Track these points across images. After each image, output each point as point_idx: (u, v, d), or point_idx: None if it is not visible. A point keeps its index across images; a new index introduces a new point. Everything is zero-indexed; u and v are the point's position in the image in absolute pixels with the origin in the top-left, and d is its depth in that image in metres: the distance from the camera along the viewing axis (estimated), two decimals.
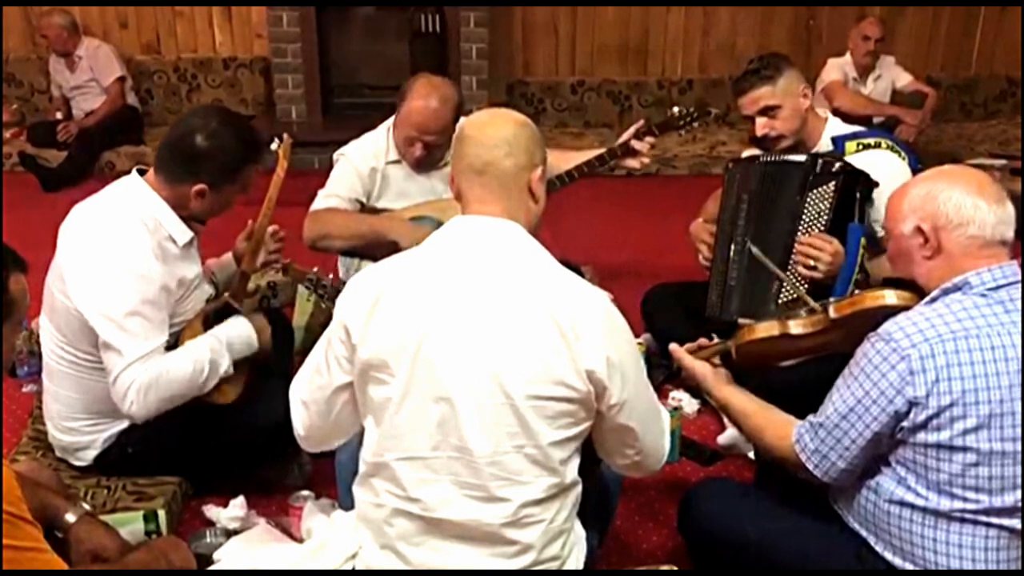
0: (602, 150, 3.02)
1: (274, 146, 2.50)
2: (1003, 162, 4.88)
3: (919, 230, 1.67)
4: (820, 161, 2.50)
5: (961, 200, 1.64)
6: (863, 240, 2.40)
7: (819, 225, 2.47)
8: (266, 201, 2.40)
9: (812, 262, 2.39)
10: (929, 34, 6.13)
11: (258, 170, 2.24)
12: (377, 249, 2.74)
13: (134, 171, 2.22)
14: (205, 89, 5.91)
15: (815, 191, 2.49)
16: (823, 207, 2.48)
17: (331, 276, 2.54)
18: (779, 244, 2.50)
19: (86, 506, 1.88)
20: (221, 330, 2.24)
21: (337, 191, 2.83)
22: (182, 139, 2.14)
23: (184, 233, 2.20)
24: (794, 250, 2.46)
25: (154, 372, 2.07)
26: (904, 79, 5.25)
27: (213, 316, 2.31)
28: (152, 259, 2.09)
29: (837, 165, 2.48)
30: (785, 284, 2.44)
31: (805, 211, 2.49)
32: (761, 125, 2.58)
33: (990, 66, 6.28)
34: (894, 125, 4.94)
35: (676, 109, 3.01)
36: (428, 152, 2.78)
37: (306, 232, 2.80)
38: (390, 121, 2.89)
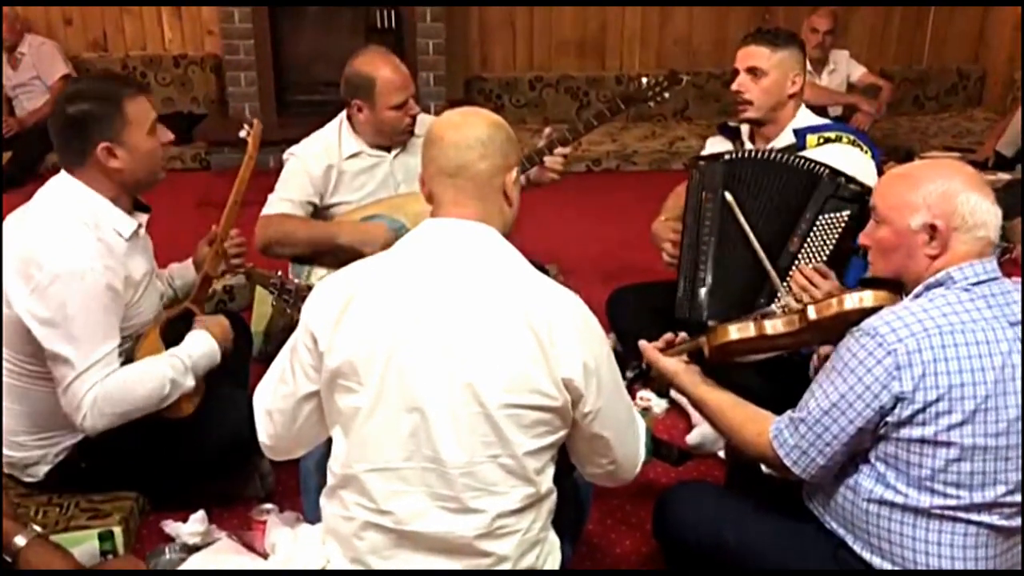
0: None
1: (243, 133, 2.41)
2: (957, 155, 4.94)
3: (931, 227, 1.63)
4: (841, 180, 2.34)
5: (978, 203, 1.62)
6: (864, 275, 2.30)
7: (823, 254, 2.33)
8: (233, 191, 2.31)
9: (804, 296, 2.15)
10: (882, 27, 6.20)
11: (148, 100, 2.12)
12: (330, 255, 2.69)
13: (62, 171, 2.11)
14: (155, 87, 5.75)
15: (827, 216, 2.34)
16: (831, 236, 2.33)
17: (296, 280, 2.47)
18: (748, 250, 2.37)
19: (36, 528, 1.80)
20: (183, 349, 2.14)
21: (288, 195, 2.75)
22: (56, 121, 2.07)
23: (128, 223, 2.11)
24: (789, 275, 2.27)
25: (112, 385, 1.98)
26: (858, 72, 5.29)
27: (173, 322, 2.22)
28: (95, 258, 1.99)
29: (855, 188, 2.32)
30: (776, 300, 2.33)
31: (812, 235, 2.35)
32: (739, 82, 2.57)
33: (941, 59, 6.37)
34: (849, 116, 4.97)
35: (644, 80, 2.90)
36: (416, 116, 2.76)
37: (256, 238, 2.73)
38: (342, 115, 2.83)
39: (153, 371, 2.06)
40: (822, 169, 2.40)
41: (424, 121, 2.84)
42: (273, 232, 2.71)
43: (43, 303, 1.95)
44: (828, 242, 2.35)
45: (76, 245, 1.99)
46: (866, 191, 2.32)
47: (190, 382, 2.12)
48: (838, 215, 2.35)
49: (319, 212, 2.82)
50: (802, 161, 2.44)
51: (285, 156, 2.83)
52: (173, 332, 2.20)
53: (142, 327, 2.16)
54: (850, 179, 2.36)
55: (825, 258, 2.33)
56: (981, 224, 1.62)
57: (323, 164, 2.77)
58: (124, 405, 2.01)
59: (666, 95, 2.88)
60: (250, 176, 2.33)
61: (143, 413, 2.05)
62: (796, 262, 2.35)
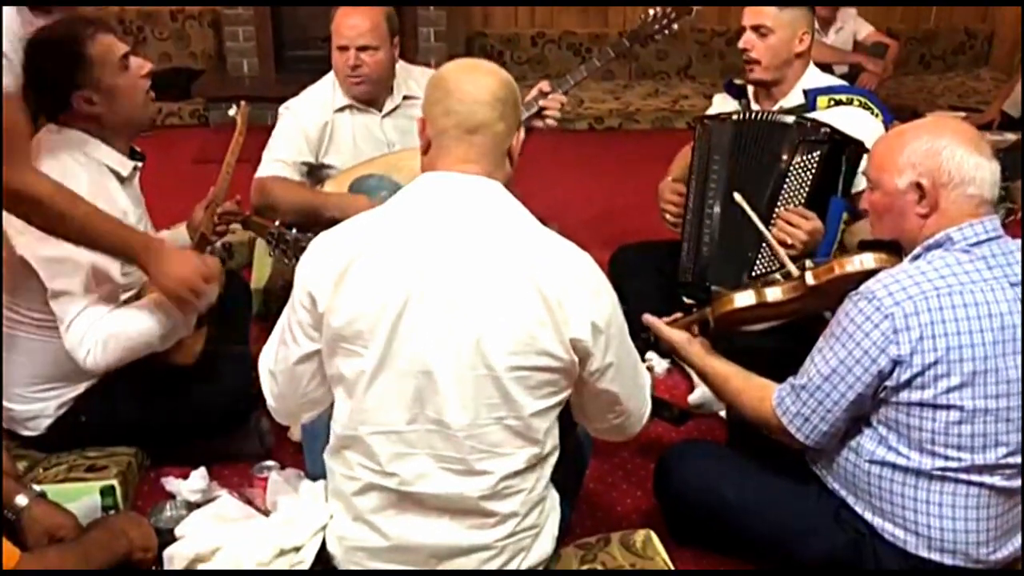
0: None
1: (232, 112, 2.37)
2: (962, 115, 4.89)
3: (917, 186, 1.62)
4: (808, 125, 2.37)
5: (964, 158, 1.59)
6: (845, 215, 2.32)
7: (799, 198, 2.36)
8: (223, 169, 2.26)
9: (788, 239, 2.26)
10: None
11: (130, 50, 2.04)
12: (320, 222, 2.59)
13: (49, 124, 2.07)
14: (152, 42, 5.67)
15: (799, 159, 2.37)
16: (805, 178, 2.36)
17: (294, 230, 2.44)
18: (756, 214, 2.36)
19: (37, 488, 1.81)
20: None
21: (282, 155, 2.71)
22: (27, 79, 1.95)
23: (124, 163, 2.09)
24: (770, 224, 2.33)
25: (115, 320, 1.97)
26: (865, 30, 5.22)
27: None
28: (92, 197, 1.94)
29: (824, 131, 2.34)
30: (761, 252, 2.36)
31: (786, 181, 2.37)
32: (745, 40, 2.53)
33: (949, 18, 6.28)
34: (856, 75, 4.92)
35: (651, 11, 2.77)
36: (364, 68, 2.66)
37: (251, 199, 2.69)
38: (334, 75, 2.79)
39: (155, 304, 2.05)
40: (790, 117, 2.42)
41: (414, 74, 2.81)
42: (264, 197, 2.68)
43: (45, 241, 1.92)
44: (804, 185, 2.36)
45: (73, 183, 1.95)
46: (836, 134, 2.34)
47: (191, 318, 2.10)
48: (809, 157, 2.36)
49: (314, 171, 2.79)
50: (781, 115, 2.46)
51: (280, 111, 2.78)
52: None
53: (141, 280, 2.13)
54: (817, 123, 2.37)
55: (803, 201, 2.35)
56: (969, 180, 1.59)
57: (319, 121, 2.73)
58: (128, 340, 1.99)
59: (675, 27, 2.76)
60: (236, 160, 2.28)
61: (148, 350, 2.04)
62: (777, 208, 2.36)
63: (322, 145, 2.75)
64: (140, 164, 2.17)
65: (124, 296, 2.08)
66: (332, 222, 2.57)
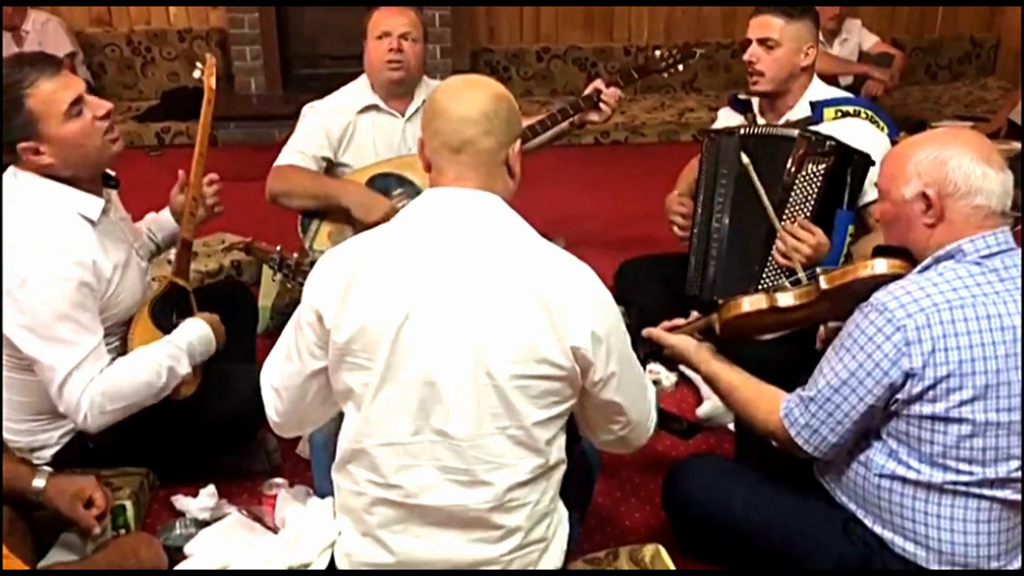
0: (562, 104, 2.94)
1: (196, 74, 2.26)
2: (968, 124, 4.88)
3: (923, 196, 1.61)
4: (812, 138, 2.36)
5: (971, 168, 1.57)
6: (851, 228, 2.31)
7: (805, 210, 2.35)
8: (199, 136, 2.18)
9: (792, 253, 2.25)
10: None
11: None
12: (333, 211, 2.76)
13: (10, 167, 1.96)
14: (160, 62, 5.73)
15: (803, 172, 2.36)
16: (810, 191, 2.35)
17: (295, 255, 2.47)
18: (761, 228, 2.38)
19: (47, 468, 1.87)
20: (180, 336, 2.12)
21: (303, 147, 2.80)
22: None
23: (93, 204, 1.98)
24: (776, 237, 2.32)
25: (107, 382, 1.95)
26: (870, 41, 5.23)
27: (160, 301, 2.17)
28: (62, 255, 1.89)
29: (830, 144, 2.33)
30: (768, 265, 2.36)
31: (791, 194, 2.37)
32: (750, 52, 2.53)
33: (955, 27, 6.28)
34: (861, 84, 4.92)
35: (657, 52, 2.93)
36: (405, 54, 2.75)
37: (267, 186, 2.78)
38: (363, 77, 2.88)
39: (148, 361, 2.03)
40: (794, 131, 2.42)
41: (429, 85, 2.86)
42: (281, 183, 2.77)
43: (16, 308, 1.88)
44: (809, 198, 2.36)
45: (40, 244, 1.89)
46: (842, 147, 2.34)
47: (185, 369, 2.09)
48: (815, 169, 2.35)
49: (331, 168, 2.86)
50: (787, 128, 2.46)
51: (305, 110, 2.87)
52: (162, 311, 2.16)
53: (127, 312, 2.11)
54: (822, 136, 2.37)
55: (808, 214, 2.34)
56: (976, 191, 1.58)
57: (342, 121, 2.82)
58: (122, 400, 1.98)
59: (679, 68, 2.93)
60: (209, 126, 2.20)
61: (144, 405, 2.04)
62: (782, 222, 2.34)
63: (342, 144, 2.84)
64: (114, 194, 2.11)
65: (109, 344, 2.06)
66: (346, 212, 2.68)
